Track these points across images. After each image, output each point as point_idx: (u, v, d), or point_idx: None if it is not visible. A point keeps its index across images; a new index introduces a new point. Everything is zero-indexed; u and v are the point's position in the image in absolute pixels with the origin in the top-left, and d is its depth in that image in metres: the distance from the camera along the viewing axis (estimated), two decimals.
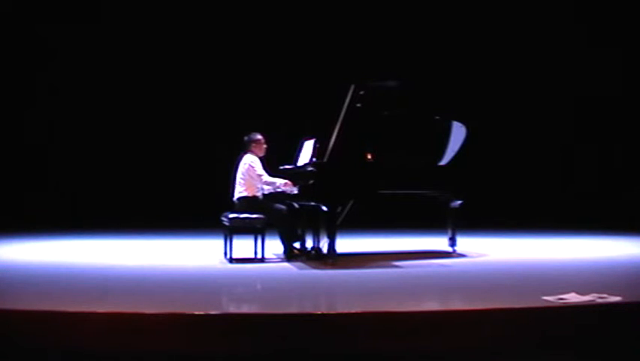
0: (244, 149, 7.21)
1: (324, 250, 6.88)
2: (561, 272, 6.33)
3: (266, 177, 7.04)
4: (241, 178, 7.08)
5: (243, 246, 6.93)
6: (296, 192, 6.95)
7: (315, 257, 7.07)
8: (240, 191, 7.08)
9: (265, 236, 6.80)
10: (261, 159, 7.16)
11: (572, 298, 4.62)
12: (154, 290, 5.35)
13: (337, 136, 6.87)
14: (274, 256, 7.11)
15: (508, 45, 12.14)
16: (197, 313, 4.20)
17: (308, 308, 4.83)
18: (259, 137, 7.24)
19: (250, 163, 7.04)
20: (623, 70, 12.19)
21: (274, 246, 7.18)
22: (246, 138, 7.24)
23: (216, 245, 7.67)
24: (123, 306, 4.49)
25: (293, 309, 4.72)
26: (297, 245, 7.24)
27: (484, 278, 6.07)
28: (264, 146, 7.25)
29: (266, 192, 7.17)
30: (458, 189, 7.17)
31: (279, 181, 7.04)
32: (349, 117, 6.88)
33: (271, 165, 7.31)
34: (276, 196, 7.12)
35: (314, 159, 7.02)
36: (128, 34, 12.10)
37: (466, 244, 7.90)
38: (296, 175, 7.11)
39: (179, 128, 12.15)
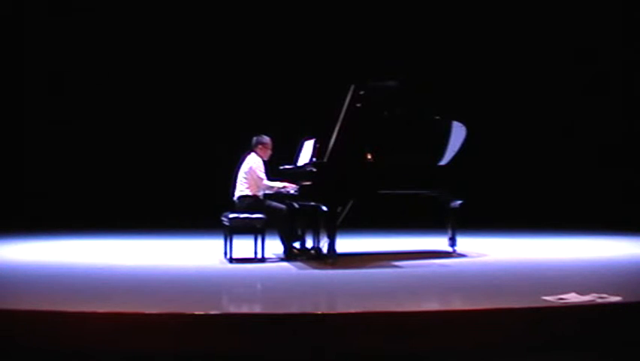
0: (250, 148, 7.21)
1: (324, 250, 6.88)
2: (561, 272, 6.33)
3: (266, 181, 7.05)
4: (243, 177, 7.08)
5: (243, 246, 6.93)
6: (293, 192, 6.94)
7: (315, 257, 7.08)
8: (241, 190, 7.08)
9: (265, 236, 6.80)
10: (264, 161, 7.16)
11: (572, 298, 4.62)
12: (154, 290, 5.35)
13: (337, 136, 6.87)
14: (274, 256, 7.12)
15: (508, 44, 12.14)
16: (197, 313, 4.20)
17: (308, 308, 4.83)
18: (267, 140, 7.23)
19: (253, 165, 7.05)
20: (622, 69, 12.20)
21: (274, 246, 7.18)
22: (254, 139, 7.24)
23: (216, 245, 7.67)
24: (123, 306, 4.49)
25: (293, 309, 4.72)
26: (297, 245, 7.25)
27: (484, 278, 6.07)
28: (270, 151, 7.25)
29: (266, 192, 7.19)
30: (458, 189, 7.17)
31: (279, 185, 7.05)
32: (349, 117, 6.88)
33: (271, 165, 7.32)
34: (276, 196, 7.12)
35: (314, 159, 7.02)
36: (128, 33, 12.10)
37: (466, 244, 7.90)
38: (296, 175, 7.11)
39: (179, 128, 12.14)
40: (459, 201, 7.23)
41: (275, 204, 7.05)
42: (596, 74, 12.21)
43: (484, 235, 9.48)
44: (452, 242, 7.36)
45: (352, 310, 4.38)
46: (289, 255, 7.04)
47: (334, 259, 6.57)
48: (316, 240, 7.26)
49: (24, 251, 7.86)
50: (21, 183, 11.90)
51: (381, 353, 4.12)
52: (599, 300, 4.57)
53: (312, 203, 6.85)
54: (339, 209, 6.83)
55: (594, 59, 12.24)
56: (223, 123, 11.64)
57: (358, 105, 6.90)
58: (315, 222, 7.22)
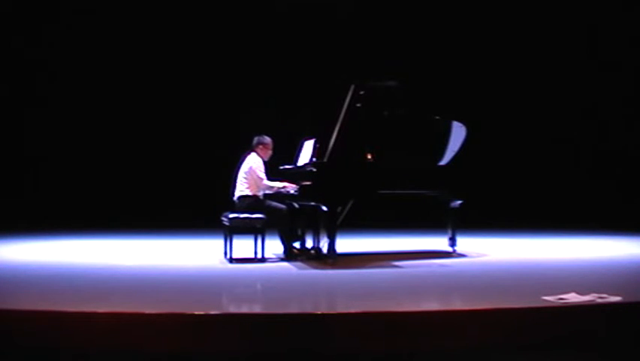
0: (250, 148, 7.21)
1: (324, 250, 6.88)
2: (561, 272, 6.34)
3: (266, 181, 7.05)
4: (243, 177, 7.08)
5: (243, 246, 6.93)
6: (293, 192, 6.94)
7: (315, 257, 7.08)
8: (241, 190, 7.08)
9: (265, 236, 6.80)
10: (264, 162, 7.16)
11: (572, 298, 4.62)
12: (154, 290, 5.35)
13: (337, 136, 6.88)
14: (274, 256, 7.12)
15: (508, 44, 12.14)
16: (197, 313, 4.20)
17: (308, 308, 4.83)
18: (268, 141, 7.23)
19: (253, 165, 7.05)
20: (622, 69, 12.20)
21: (274, 246, 7.18)
22: (255, 139, 7.24)
23: (216, 245, 7.67)
24: (123, 306, 4.50)
25: (293, 309, 4.72)
26: (297, 245, 7.25)
27: (484, 278, 6.07)
28: (270, 151, 7.25)
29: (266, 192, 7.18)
30: (458, 189, 7.17)
31: (278, 185, 7.05)
32: (349, 117, 6.88)
33: (271, 165, 7.32)
34: (276, 196, 7.12)
35: (314, 159, 7.02)
36: (128, 33, 12.10)
37: (466, 244, 7.90)
38: (296, 175, 7.11)
39: (178, 127, 12.14)
40: (459, 201, 7.23)
41: (275, 204, 7.05)
42: (597, 72, 12.20)
43: (484, 235, 9.48)
44: (452, 242, 7.36)
45: (352, 310, 4.38)
46: (289, 255, 7.04)
47: (334, 259, 6.57)
48: (316, 240, 7.26)
49: (24, 251, 7.86)
50: (21, 183, 11.89)
51: (381, 353, 4.12)
52: (599, 300, 4.57)
53: (312, 203, 6.85)
54: (339, 209, 6.83)
55: (594, 58, 12.24)
56: (223, 123, 11.63)
57: (358, 105, 6.90)
58: (315, 222, 7.22)
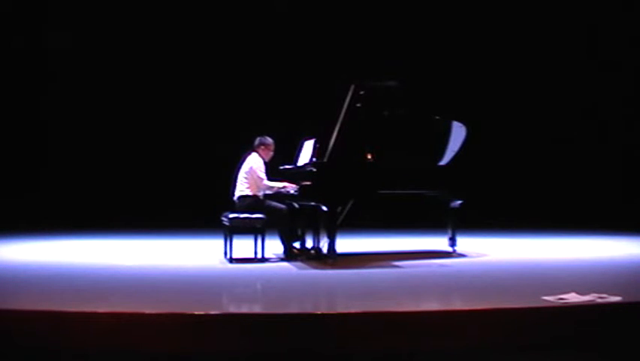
0: (252, 148, 7.21)
1: (324, 250, 6.88)
2: (561, 272, 6.34)
3: (266, 181, 7.05)
4: (244, 177, 7.08)
5: (243, 246, 6.93)
6: (293, 192, 6.94)
7: (315, 257, 7.08)
8: (241, 190, 7.08)
9: (265, 236, 6.80)
10: (264, 162, 7.16)
11: (572, 298, 4.62)
12: (154, 290, 5.35)
13: (337, 136, 6.88)
14: (274, 256, 7.12)
15: (508, 44, 12.13)
16: (197, 313, 4.20)
17: (308, 308, 4.83)
18: (270, 142, 7.23)
19: (253, 165, 7.05)
20: (622, 67, 12.20)
21: (274, 246, 7.18)
22: (257, 139, 7.23)
23: (216, 245, 7.67)
24: (123, 306, 4.50)
25: (293, 309, 4.72)
26: (297, 245, 7.25)
27: (484, 278, 6.07)
28: (272, 152, 7.25)
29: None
30: (458, 189, 7.17)
31: (278, 185, 7.05)
32: (349, 117, 6.89)
33: (271, 165, 7.32)
34: (276, 196, 7.12)
35: (314, 159, 7.02)
36: (128, 32, 12.09)
37: (466, 244, 7.90)
38: (296, 175, 7.11)
39: (178, 127, 12.13)
40: (459, 201, 7.23)
41: (275, 204, 7.05)
42: (597, 72, 12.20)
43: (484, 235, 9.48)
44: (452, 242, 7.37)
45: (352, 310, 4.38)
46: (289, 255, 7.04)
47: (334, 259, 6.57)
48: (316, 240, 7.26)
49: (24, 251, 7.86)
50: (21, 183, 11.89)
51: (381, 353, 4.12)
52: (599, 300, 4.57)
53: (312, 203, 6.85)
54: (339, 209, 6.83)
55: (594, 58, 12.24)
56: (223, 123, 11.63)
57: (358, 105, 6.90)
58: (315, 222, 7.22)
